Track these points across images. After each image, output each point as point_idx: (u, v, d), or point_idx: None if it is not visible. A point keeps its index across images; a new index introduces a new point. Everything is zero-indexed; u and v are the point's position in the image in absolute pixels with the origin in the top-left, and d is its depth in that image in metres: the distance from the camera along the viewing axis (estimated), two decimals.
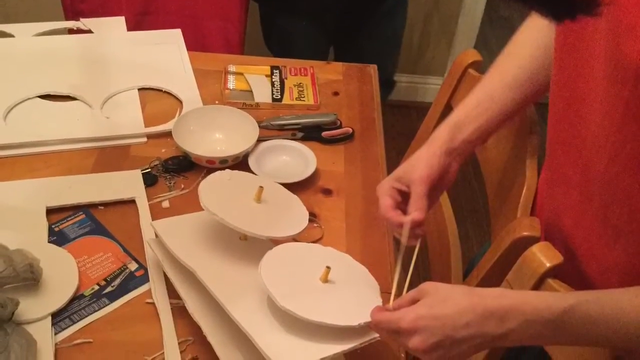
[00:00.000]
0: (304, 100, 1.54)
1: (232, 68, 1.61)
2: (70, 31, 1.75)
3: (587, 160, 0.89)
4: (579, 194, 0.94)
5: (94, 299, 1.07)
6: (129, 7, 1.97)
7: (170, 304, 1.06)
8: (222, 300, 0.94)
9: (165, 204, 1.25)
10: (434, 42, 3.13)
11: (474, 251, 2.56)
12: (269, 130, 1.45)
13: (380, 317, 0.88)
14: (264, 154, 1.35)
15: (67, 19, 1.99)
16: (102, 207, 1.23)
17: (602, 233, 0.91)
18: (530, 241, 0.96)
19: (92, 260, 1.13)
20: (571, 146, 0.93)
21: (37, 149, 1.34)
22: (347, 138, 1.45)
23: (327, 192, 1.32)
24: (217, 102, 1.51)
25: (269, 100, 1.53)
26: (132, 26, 1.75)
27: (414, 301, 0.86)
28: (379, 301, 0.96)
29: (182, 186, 1.29)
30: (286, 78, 1.60)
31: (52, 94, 1.48)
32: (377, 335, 0.92)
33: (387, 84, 2.25)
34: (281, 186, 1.17)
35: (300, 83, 1.59)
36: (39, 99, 1.47)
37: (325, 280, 0.96)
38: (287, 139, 1.41)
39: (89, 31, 1.70)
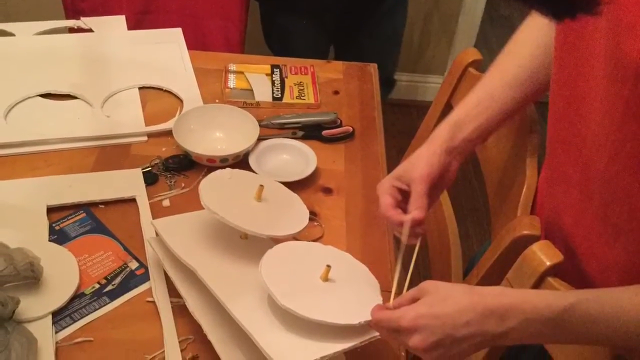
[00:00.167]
0: (304, 99, 1.54)
1: (232, 67, 1.61)
2: (71, 30, 1.75)
3: (587, 159, 0.89)
4: (579, 192, 0.94)
5: (95, 298, 1.07)
6: (129, 6, 1.97)
7: (171, 302, 1.06)
8: (223, 298, 0.94)
9: (166, 203, 1.25)
10: (434, 41, 3.13)
11: (474, 250, 2.56)
12: (270, 129, 1.45)
13: (381, 316, 0.88)
14: (264, 153, 1.36)
15: (67, 17, 1.99)
16: (102, 206, 1.23)
17: (602, 232, 0.91)
18: (531, 240, 0.96)
19: (93, 259, 1.13)
20: (571, 145, 0.93)
21: (38, 148, 1.34)
22: (348, 137, 1.45)
23: (328, 190, 1.32)
24: (217, 100, 1.51)
25: (270, 99, 1.53)
26: (133, 25, 1.75)
27: (414, 300, 0.86)
28: (379, 300, 0.96)
29: (183, 185, 1.29)
30: (286, 77, 1.60)
31: (52, 92, 1.49)
32: (377, 333, 0.92)
33: (387, 83, 2.25)
34: (281, 185, 1.17)
35: (300, 82, 1.59)
36: (39, 97, 1.47)
37: (326, 279, 0.96)
38: (288, 137, 1.41)
39: (90, 30, 1.70)
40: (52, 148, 1.34)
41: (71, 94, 1.49)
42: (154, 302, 1.06)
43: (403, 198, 1.03)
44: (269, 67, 1.63)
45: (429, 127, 1.41)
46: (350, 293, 0.97)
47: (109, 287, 1.09)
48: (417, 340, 0.82)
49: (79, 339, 1.01)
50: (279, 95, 1.54)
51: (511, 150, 1.24)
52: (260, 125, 1.38)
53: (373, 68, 1.70)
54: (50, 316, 1.02)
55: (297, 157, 1.37)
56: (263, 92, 1.55)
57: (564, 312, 0.79)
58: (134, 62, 1.60)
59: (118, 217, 1.21)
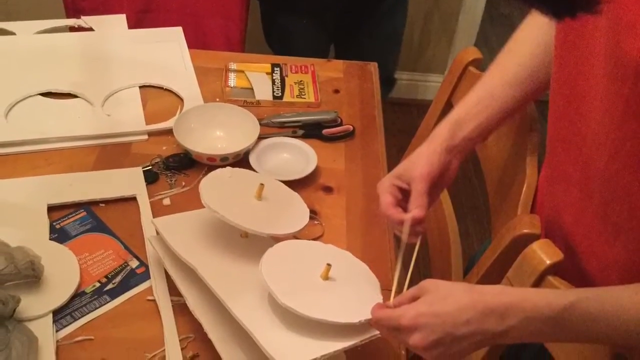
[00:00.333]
0: (304, 98, 1.54)
1: (232, 66, 1.61)
2: (72, 29, 1.75)
3: (587, 157, 0.90)
4: (579, 191, 0.94)
5: (95, 296, 1.07)
6: (130, 5, 1.97)
7: (171, 301, 1.06)
8: (223, 297, 0.94)
9: (166, 202, 1.25)
10: (434, 39, 3.13)
11: (475, 248, 2.56)
12: (270, 127, 1.45)
13: (381, 315, 0.88)
14: (264, 152, 1.36)
15: (68, 16, 1.99)
16: (103, 205, 1.23)
17: (602, 230, 0.91)
18: (531, 238, 0.96)
19: (93, 258, 1.13)
20: (571, 144, 0.93)
21: (39, 147, 1.34)
22: (348, 135, 1.45)
23: (328, 189, 1.32)
24: (217, 99, 1.51)
25: (270, 98, 1.53)
26: (133, 24, 1.75)
27: (414, 298, 0.86)
28: (379, 298, 0.96)
29: (183, 184, 1.29)
30: (287, 76, 1.60)
31: (53, 91, 1.49)
32: (377, 332, 0.92)
33: (387, 82, 2.25)
34: (282, 184, 1.17)
35: (300, 81, 1.59)
36: (40, 96, 1.47)
37: (326, 277, 0.96)
38: (288, 136, 1.41)
39: (90, 29, 1.70)
40: (53, 147, 1.35)
41: (72, 92, 1.49)
42: (154, 300, 1.06)
43: (403, 197, 1.04)
44: (269, 65, 1.63)
45: (429, 125, 1.41)
46: (350, 292, 0.97)
47: (110, 286, 1.09)
48: (417, 339, 0.83)
49: (80, 338, 1.01)
50: (280, 94, 1.54)
51: (511, 149, 1.24)
52: (260, 124, 1.38)
53: (373, 67, 1.70)
54: (51, 315, 1.03)
55: (297, 156, 1.37)
56: (263, 90, 1.55)
57: (564, 310, 0.79)
58: (135, 61, 1.60)
59: (118, 215, 1.21)
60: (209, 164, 1.31)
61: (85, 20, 1.72)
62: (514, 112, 1.09)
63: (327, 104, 1.55)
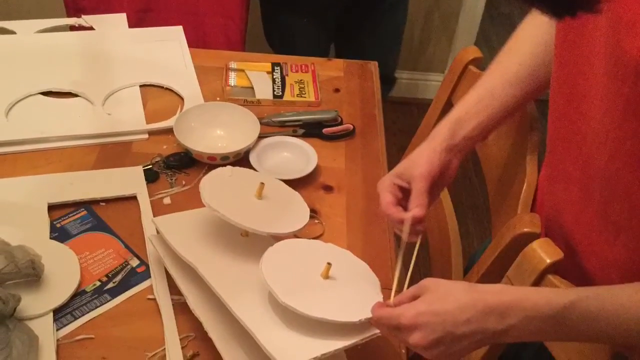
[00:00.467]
0: (305, 97, 1.54)
1: (233, 65, 1.61)
2: (72, 28, 1.75)
3: (587, 156, 0.90)
4: (579, 190, 0.94)
5: (96, 295, 1.07)
6: (130, 4, 1.97)
7: (172, 300, 1.06)
8: (224, 296, 0.94)
9: (167, 201, 1.25)
10: (434, 38, 3.13)
11: (475, 247, 2.56)
12: (270, 126, 1.45)
13: (381, 313, 0.88)
14: (265, 151, 1.36)
15: (68, 16, 1.99)
16: (103, 204, 1.23)
17: (603, 229, 0.91)
18: (531, 237, 0.96)
19: (94, 257, 1.13)
20: (571, 143, 0.93)
21: (39, 146, 1.34)
22: (348, 135, 1.45)
23: (328, 188, 1.32)
24: (218, 98, 1.52)
25: (270, 97, 1.53)
26: (134, 23, 1.75)
27: (414, 297, 0.86)
28: (379, 297, 0.96)
29: (184, 182, 1.29)
30: (287, 75, 1.60)
31: (53, 90, 1.49)
32: (377, 331, 0.92)
33: (387, 81, 2.25)
34: (282, 183, 1.17)
35: (301, 80, 1.59)
36: (40, 95, 1.47)
37: (326, 276, 0.96)
38: (288, 135, 1.41)
39: (91, 28, 1.70)
40: (53, 146, 1.35)
41: (72, 91, 1.49)
42: (154, 299, 1.07)
43: (403, 196, 1.04)
44: (269, 65, 1.63)
45: (429, 124, 1.41)
46: (350, 290, 0.97)
47: (110, 285, 1.09)
48: (418, 338, 0.83)
49: (80, 337, 1.01)
50: (280, 93, 1.54)
51: (511, 148, 1.24)
52: (261, 123, 1.38)
53: (374, 66, 1.70)
54: (52, 313, 1.03)
55: (297, 155, 1.37)
56: (264, 90, 1.55)
57: (564, 309, 0.80)
58: (135, 60, 1.60)
59: (119, 214, 1.21)
60: (210, 163, 1.31)
61: (85, 20, 1.72)
62: (514, 111, 1.09)
63: (328, 103, 1.55)
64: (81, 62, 1.59)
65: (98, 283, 1.09)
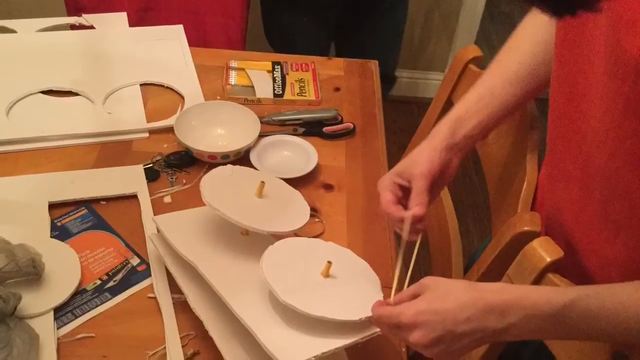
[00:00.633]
0: (305, 96, 1.54)
1: (233, 64, 1.61)
2: (73, 27, 1.75)
3: (587, 155, 0.90)
4: (579, 189, 0.94)
5: (96, 294, 1.07)
6: (130, 3, 1.97)
7: (172, 298, 1.06)
8: (224, 294, 0.94)
9: (167, 199, 1.25)
10: (434, 37, 3.13)
11: (475, 246, 2.56)
12: (271, 125, 1.45)
13: (381, 312, 0.88)
14: (265, 149, 1.36)
15: (69, 14, 1.99)
16: (104, 202, 1.23)
17: (603, 228, 0.91)
18: (531, 236, 0.96)
19: (94, 255, 1.13)
20: (572, 141, 0.93)
21: (40, 145, 1.34)
22: (349, 133, 1.46)
23: (329, 187, 1.32)
24: (218, 97, 1.52)
25: (271, 96, 1.53)
26: (134, 22, 1.75)
27: (414, 296, 0.86)
28: (380, 296, 0.96)
29: (184, 181, 1.29)
30: (287, 74, 1.60)
31: (54, 89, 1.49)
32: (378, 329, 0.92)
33: (388, 80, 2.25)
34: (283, 181, 1.17)
35: (301, 79, 1.59)
36: (41, 94, 1.47)
37: (327, 275, 0.97)
38: (289, 134, 1.41)
39: (91, 27, 1.71)
40: (54, 145, 1.35)
41: (73, 90, 1.49)
42: (155, 298, 1.07)
43: (404, 194, 1.04)
44: (270, 63, 1.63)
45: (429, 123, 1.42)
46: (351, 289, 0.98)
47: (111, 283, 1.09)
48: (418, 336, 0.83)
49: (81, 335, 1.01)
50: (280, 92, 1.54)
51: (512, 147, 1.24)
52: (261, 122, 1.38)
53: (374, 65, 1.70)
54: (52, 312, 1.03)
55: (298, 154, 1.37)
56: (264, 88, 1.55)
57: (564, 308, 0.80)
58: (136, 59, 1.60)
59: (119, 213, 1.21)
60: (210, 162, 1.31)
61: (86, 19, 1.72)
62: (515, 109, 1.09)
63: (328, 101, 1.55)
64: (82, 61, 1.59)
65: (98, 282, 1.09)
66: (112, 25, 1.71)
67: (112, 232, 1.18)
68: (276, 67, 1.62)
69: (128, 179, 1.27)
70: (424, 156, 1.03)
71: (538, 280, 0.91)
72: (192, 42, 1.68)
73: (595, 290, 0.82)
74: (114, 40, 1.66)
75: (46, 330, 0.99)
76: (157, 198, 1.25)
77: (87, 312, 1.04)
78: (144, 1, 2.03)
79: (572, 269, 0.95)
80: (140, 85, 1.53)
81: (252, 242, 1.06)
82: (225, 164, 1.15)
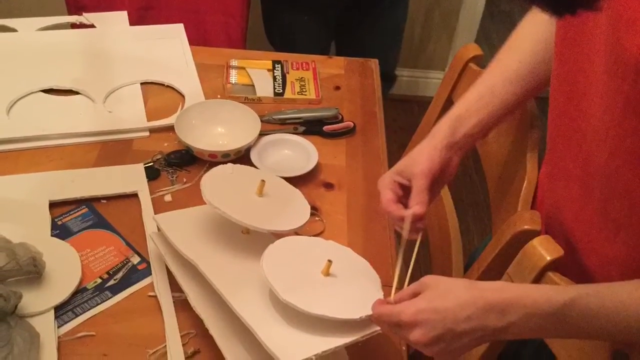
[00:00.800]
0: (305, 95, 1.54)
1: (234, 62, 1.61)
2: (73, 26, 1.75)
3: (587, 154, 0.90)
4: (579, 187, 0.94)
5: (97, 292, 1.07)
6: (131, 2, 1.97)
7: (173, 297, 1.07)
8: (224, 293, 0.94)
9: (168, 198, 1.25)
10: (435, 36, 3.13)
11: (475, 244, 2.57)
12: (271, 124, 1.45)
13: (382, 310, 0.88)
14: (265, 148, 1.36)
15: (69, 13, 1.99)
16: (104, 201, 1.23)
17: (603, 226, 0.91)
18: (531, 235, 0.96)
19: (95, 254, 1.13)
20: (572, 140, 0.93)
21: (40, 143, 1.34)
22: (349, 132, 1.46)
23: (329, 186, 1.32)
24: (219, 96, 1.52)
25: (271, 95, 1.53)
26: (135, 21, 1.75)
27: (415, 294, 0.86)
28: (380, 294, 0.96)
29: (185, 180, 1.29)
30: (288, 72, 1.60)
31: (55, 88, 1.49)
32: (378, 328, 0.92)
33: (388, 79, 2.25)
34: (283, 180, 1.17)
35: (302, 77, 1.59)
36: (41, 93, 1.48)
37: (327, 273, 0.97)
38: (289, 133, 1.41)
39: (92, 26, 1.71)
40: (54, 143, 1.35)
41: (73, 89, 1.49)
42: (155, 296, 1.07)
43: (404, 193, 1.04)
44: (270, 62, 1.63)
45: (429, 122, 1.42)
46: (351, 288, 0.98)
47: (111, 282, 1.09)
48: (418, 335, 0.83)
49: (81, 334, 1.01)
50: (281, 91, 1.54)
51: (512, 145, 1.24)
52: (261, 121, 1.38)
53: (374, 63, 1.70)
54: (53, 311, 1.03)
55: (298, 153, 1.37)
56: (264, 87, 1.55)
57: (564, 306, 0.80)
58: (136, 58, 1.60)
59: (120, 212, 1.22)
60: (210, 161, 1.32)
61: (86, 17, 1.72)
62: (515, 108, 1.09)
63: (328, 100, 1.55)
64: (82, 59, 1.59)
65: (99, 280, 1.09)
66: (112, 24, 1.71)
67: (112, 230, 1.18)
68: (276, 65, 1.62)
69: (128, 177, 1.28)
70: (424, 155, 1.03)
71: (538, 279, 0.91)
72: (192, 41, 1.69)
73: (595, 288, 0.82)
74: (115, 39, 1.66)
75: (47, 328, 0.99)
76: (157, 197, 1.25)
77: (87, 310, 1.04)
78: (145, 0, 2.03)
79: (572, 267, 0.95)
80: (141, 84, 1.54)
81: (252, 241, 1.07)
82: (225, 162, 1.15)
